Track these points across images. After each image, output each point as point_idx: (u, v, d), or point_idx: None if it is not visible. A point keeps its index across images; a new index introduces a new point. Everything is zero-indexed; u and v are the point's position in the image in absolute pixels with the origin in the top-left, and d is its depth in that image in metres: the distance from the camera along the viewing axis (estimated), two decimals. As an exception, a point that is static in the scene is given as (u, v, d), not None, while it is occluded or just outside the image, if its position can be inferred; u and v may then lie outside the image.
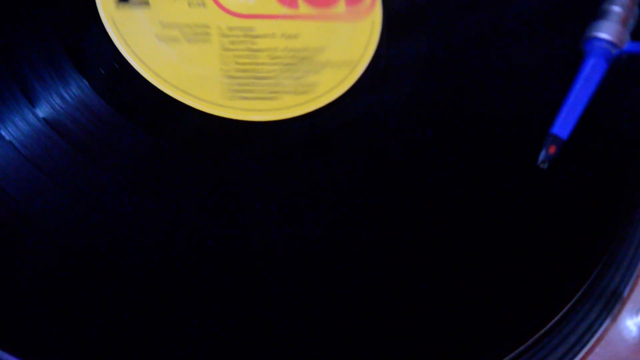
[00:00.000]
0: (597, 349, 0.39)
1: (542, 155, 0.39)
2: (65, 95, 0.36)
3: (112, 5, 0.39)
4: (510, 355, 0.36)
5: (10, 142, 0.35)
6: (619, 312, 0.39)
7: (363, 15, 0.43)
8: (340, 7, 0.43)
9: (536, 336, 0.37)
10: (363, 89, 0.41)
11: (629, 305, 0.40)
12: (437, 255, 0.37)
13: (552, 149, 0.39)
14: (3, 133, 0.35)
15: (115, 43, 0.38)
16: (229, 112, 0.38)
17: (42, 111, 0.35)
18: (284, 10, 0.41)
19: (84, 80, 0.36)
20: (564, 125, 0.40)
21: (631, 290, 0.40)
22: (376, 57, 0.42)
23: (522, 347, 0.36)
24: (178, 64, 0.39)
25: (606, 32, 0.41)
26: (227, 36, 0.40)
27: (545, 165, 0.39)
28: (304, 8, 0.42)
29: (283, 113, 0.39)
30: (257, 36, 0.40)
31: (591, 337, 0.39)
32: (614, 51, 0.41)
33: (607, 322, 0.39)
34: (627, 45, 0.42)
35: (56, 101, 0.36)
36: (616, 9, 0.42)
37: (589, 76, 0.41)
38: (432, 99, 0.41)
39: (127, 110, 0.37)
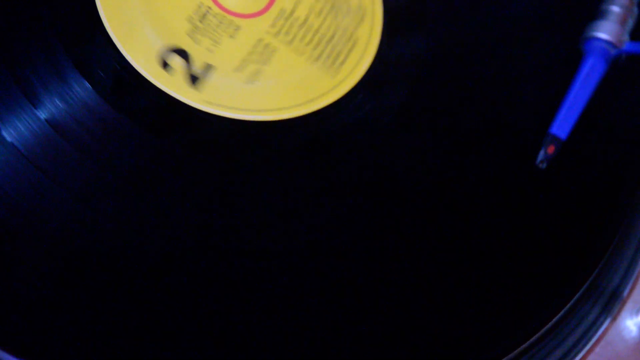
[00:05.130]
0: (597, 349, 0.39)
1: (541, 155, 0.39)
2: (67, 97, 0.36)
3: (193, 91, 0.38)
4: (510, 355, 0.36)
5: (12, 143, 0.35)
6: (619, 312, 0.39)
7: None
8: None
9: (536, 336, 0.37)
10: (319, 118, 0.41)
11: (629, 305, 0.39)
12: (437, 256, 0.37)
13: (551, 149, 0.39)
14: (5, 134, 0.35)
15: (235, 117, 0.38)
16: (347, 84, 0.39)
17: (44, 112, 0.36)
18: None
19: (86, 82, 0.36)
20: (562, 125, 0.40)
21: (631, 290, 0.40)
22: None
23: (522, 347, 0.36)
24: (279, 87, 0.39)
25: (605, 32, 0.41)
26: (278, 33, 0.40)
27: (543, 165, 0.39)
28: None
29: (373, 45, 0.40)
30: (292, 12, 0.41)
31: (591, 337, 0.39)
32: (613, 51, 0.41)
33: (607, 322, 0.39)
34: (625, 45, 0.42)
35: (58, 103, 0.36)
36: (615, 9, 0.42)
37: (588, 76, 0.41)
38: (432, 99, 0.41)
39: (129, 110, 0.37)
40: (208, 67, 0.39)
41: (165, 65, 0.38)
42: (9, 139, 0.35)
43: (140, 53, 0.38)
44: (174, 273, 0.34)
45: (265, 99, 0.39)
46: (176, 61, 0.38)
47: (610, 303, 0.39)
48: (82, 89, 0.36)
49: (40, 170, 0.35)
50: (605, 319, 0.39)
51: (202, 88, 0.38)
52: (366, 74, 0.41)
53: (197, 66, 0.38)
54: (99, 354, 0.32)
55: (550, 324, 0.37)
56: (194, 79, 0.38)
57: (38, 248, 0.33)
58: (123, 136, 0.36)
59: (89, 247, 0.34)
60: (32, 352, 0.31)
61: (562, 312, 0.37)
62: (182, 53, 0.39)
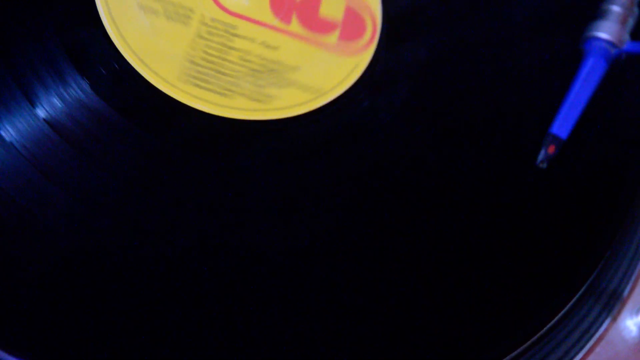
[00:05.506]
0: (597, 349, 0.39)
1: (541, 154, 0.39)
2: (65, 96, 0.36)
3: None
4: (511, 355, 0.36)
5: (10, 143, 0.35)
6: (619, 312, 0.39)
7: (351, 54, 0.42)
8: (333, 38, 0.42)
9: (536, 336, 0.37)
10: (321, 116, 0.40)
11: (629, 305, 0.39)
12: (437, 256, 0.37)
13: (552, 149, 0.39)
14: (3, 134, 0.35)
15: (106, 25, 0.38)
16: (178, 94, 0.38)
17: (42, 112, 0.35)
18: (275, 21, 0.41)
19: (84, 80, 0.36)
20: (563, 124, 0.40)
21: (631, 290, 0.40)
22: (348, 94, 0.41)
23: (522, 347, 0.36)
24: (148, 35, 0.39)
25: (605, 32, 0.41)
26: (206, 25, 0.40)
27: (544, 165, 0.39)
28: (295, 26, 0.41)
29: (230, 112, 0.39)
30: (237, 35, 0.40)
31: (591, 337, 0.39)
32: (613, 51, 0.41)
33: (607, 322, 0.39)
34: (626, 45, 0.42)
35: (56, 102, 0.36)
36: (615, 8, 0.42)
37: (588, 76, 0.41)
38: (432, 98, 0.41)
39: (127, 110, 0.37)
40: None
41: None
42: (7, 138, 0.35)
43: None
44: (174, 272, 0.34)
45: (131, 27, 0.39)
46: None
47: (610, 303, 0.40)
48: (80, 87, 0.36)
49: (39, 170, 0.34)
50: (605, 319, 0.39)
51: None
52: (365, 74, 0.41)
53: None
54: (99, 354, 0.32)
55: (550, 324, 0.37)
56: None
57: (37, 247, 0.33)
58: (122, 135, 0.36)
59: (87, 245, 0.34)
60: (32, 352, 0.31)
61: (562, 312, 0.37)
62: None
